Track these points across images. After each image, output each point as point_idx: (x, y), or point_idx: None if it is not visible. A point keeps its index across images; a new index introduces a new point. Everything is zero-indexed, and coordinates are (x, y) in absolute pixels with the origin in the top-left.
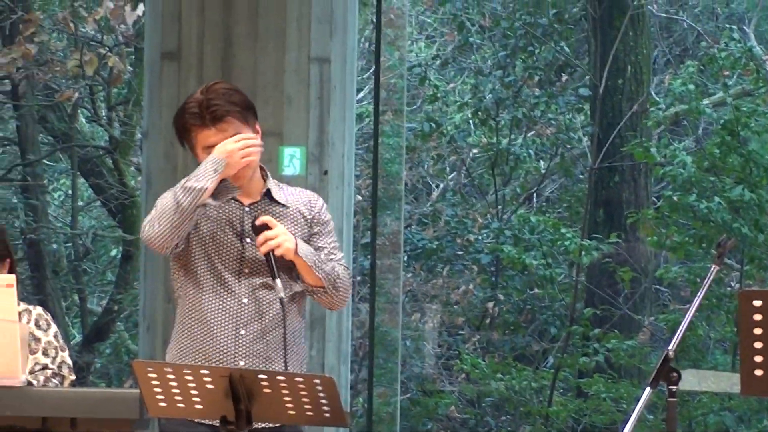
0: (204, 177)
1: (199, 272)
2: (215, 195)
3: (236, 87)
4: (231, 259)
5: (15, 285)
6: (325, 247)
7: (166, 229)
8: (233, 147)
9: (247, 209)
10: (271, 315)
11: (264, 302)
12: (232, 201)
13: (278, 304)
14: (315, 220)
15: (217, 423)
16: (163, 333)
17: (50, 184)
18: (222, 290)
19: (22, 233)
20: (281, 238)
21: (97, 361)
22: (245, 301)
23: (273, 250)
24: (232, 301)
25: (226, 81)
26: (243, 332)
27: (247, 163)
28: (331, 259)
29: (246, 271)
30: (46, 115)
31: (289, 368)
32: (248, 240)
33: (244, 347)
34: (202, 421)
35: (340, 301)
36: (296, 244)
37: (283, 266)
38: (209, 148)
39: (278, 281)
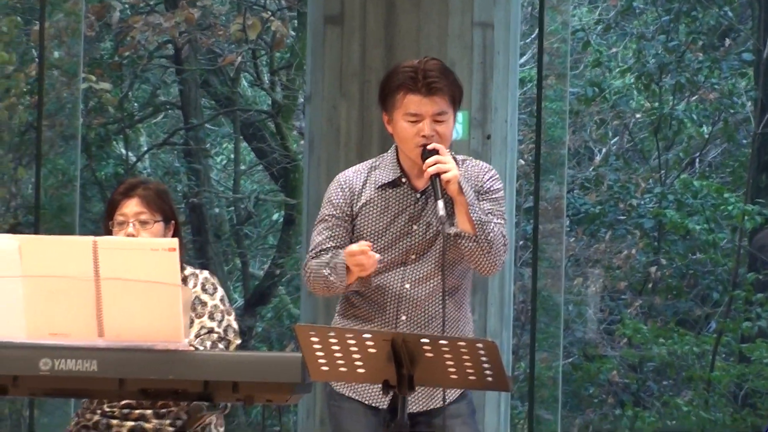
0: (342, 278)
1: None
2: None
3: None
4: (399, 244)
5: (177, 248)
6: (488, 210)
7: (320, 292)
8: (351, 260)
9: (419, 195)
10: (432, 302)
11: (424, 292)
12: (405, 186)
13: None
14: (482, 188)
15: (376, 403)
16: (324, 298)
17: (213, 148)
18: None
19: (185, 197)
20: (452, 165)
21: (258, 325)
22: (407, 286)
23: (440, 175)
24: (396, 283)
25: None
26: (404, 317)
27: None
28: (491, 221)
29: (413, 257)
30: (209, 79)
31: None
32: (415, 226)
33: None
34: (362, 400)
35: (492, 261)
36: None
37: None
38: (413, 115)
39: (440, 202)
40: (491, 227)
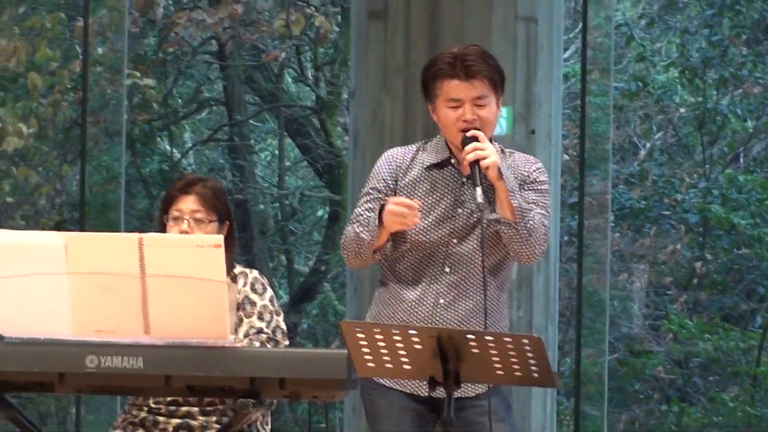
0: (373, 231)
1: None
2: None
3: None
4: (442, 226)
5: (222, 245)
6: (532, 200)
7: (352, 259)
8: (392, 209)
9: (465, 179)
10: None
11: (463, 275)
12: (451, 168)
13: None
14: (527, 179)
15: (414, 390)
16: (370, 294)
17: (257, 144)
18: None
19: (229, 194)
20: (490, 151)
21: (303, 322)
22: (447, 269)
23: (479, 161)
24: (436, 266)
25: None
26: (442, 301)
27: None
28: (532, 209)
29: (454, 240)
30: (253, 75)
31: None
32: (459, 210)
33: (441, 316)
34: (399, 388)
35: (531, 250)
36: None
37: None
38: (453, 101)
39: (479, 188)
40: (532, 215)
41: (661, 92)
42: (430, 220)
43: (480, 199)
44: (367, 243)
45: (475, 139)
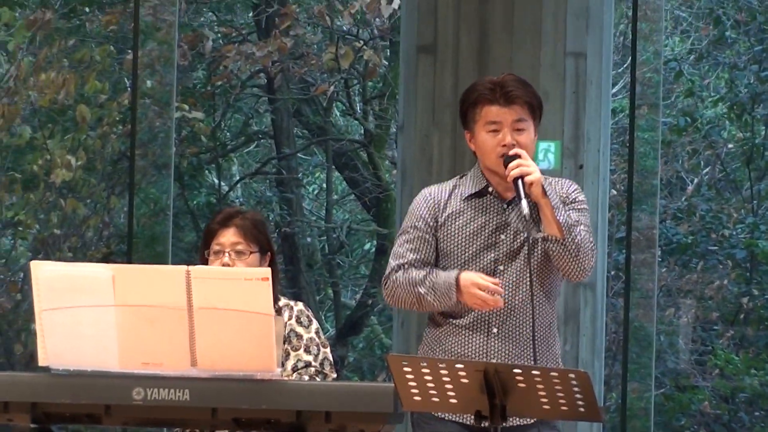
0: (443, 299)
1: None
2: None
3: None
4: (485, 254)
5: (270, 278)
6: (575, 219)
7: (405, 307)
8: (476, 293)
9: (505, 204)
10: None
11: (514, 301)
12: (490, 196)
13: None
14: (567, 198)
15: (465, 420)
16: (417, 328)
17: (305, 178)
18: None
19: (277, 227)
20: (534, 167)
21: (350, 355)
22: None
23: (523, 177)
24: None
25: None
26: (495, 330)
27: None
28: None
29: (500, 268)
30: (301, 108)
31: (538, 363)
32: (502, 236)
33: (495, 346)
34: (452, 419)
35: (580, 265)
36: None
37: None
38: (492, 123)
39: (524, 201)
40: (578, 230)
41: (709, 127)
42: (473, 249)
43: (526, 210)
44: (430, 306)
45: (518, 156)
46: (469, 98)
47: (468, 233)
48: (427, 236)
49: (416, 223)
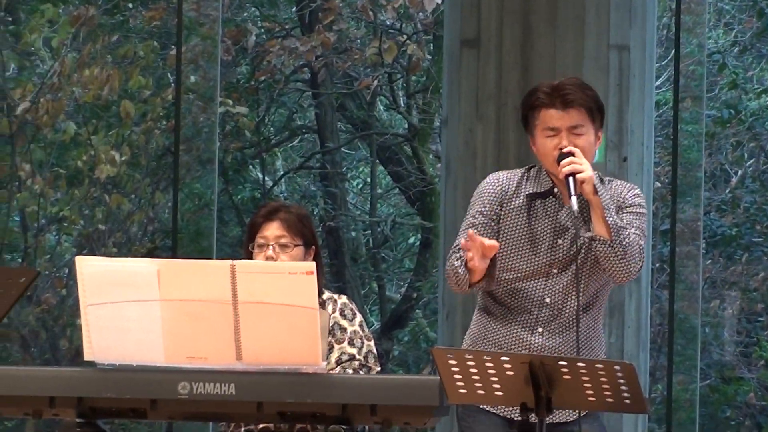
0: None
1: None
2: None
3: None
4: (542, 256)
5: (315, 272)
6: (628, 221)
7: (454, 288)
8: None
9: (566, 208)
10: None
11: (563, 305)
12: (553, 199)
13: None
14: (624, 202)
15: (509, 414)
16: (462, 321)
17: (349, 172)
18: (526, 283)
19: (321, 221)
20: (587, 166)
21: (395, 349)
22: (547, 300)
23: (574, 174)
24: (536, 295)
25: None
26: (540, 330)
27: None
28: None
29: (555, 271)
30: (345, 102)
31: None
32: (560, 240)
33: (538, 343)
34: (495, 412)
35: (626, 268)
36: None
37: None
38: (550, 129)
39: (574, 198)
40: (627, 232)
41: (753, 119)
42: (530, 249)
43: (575, 206)
44: (462, 278)
45: (572, 154)
46: (528, 102)
47: (526, 233)
48: (491, 222)
49: (482, 209)
